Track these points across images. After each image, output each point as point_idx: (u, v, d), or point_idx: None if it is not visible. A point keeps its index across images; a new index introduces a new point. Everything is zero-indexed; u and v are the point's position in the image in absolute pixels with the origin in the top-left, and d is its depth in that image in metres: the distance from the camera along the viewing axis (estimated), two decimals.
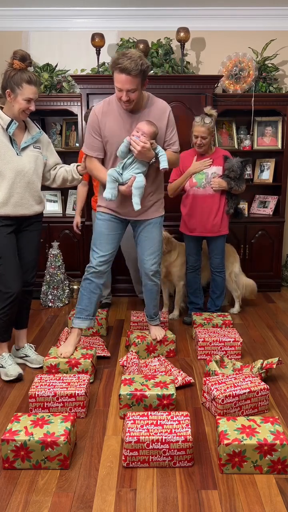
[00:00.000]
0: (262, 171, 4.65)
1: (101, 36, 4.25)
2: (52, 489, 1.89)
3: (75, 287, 4.41)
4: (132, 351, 2.96)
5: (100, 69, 4.29)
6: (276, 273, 4.58)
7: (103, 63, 4.34)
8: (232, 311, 4.00)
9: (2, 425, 2.33)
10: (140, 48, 4.15)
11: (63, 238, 4.43)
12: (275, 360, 2.72)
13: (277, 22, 4.53)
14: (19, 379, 2.76)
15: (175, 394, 2.37)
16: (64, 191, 4.68)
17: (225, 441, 1.95)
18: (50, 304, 4.22)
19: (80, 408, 2.40)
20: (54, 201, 4.66)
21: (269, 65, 4.40)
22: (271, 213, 4.57)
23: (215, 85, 4.20)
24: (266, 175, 4.61)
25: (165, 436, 2.00)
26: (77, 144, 4.46)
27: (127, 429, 2.04)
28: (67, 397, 2.38)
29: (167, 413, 2.16)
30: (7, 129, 2.60)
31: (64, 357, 2.75)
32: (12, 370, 2.78)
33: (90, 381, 2.73)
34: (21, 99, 2.57)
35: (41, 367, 2.92)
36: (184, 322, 3.78)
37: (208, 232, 3.56)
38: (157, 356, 3.05)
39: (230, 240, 4.22)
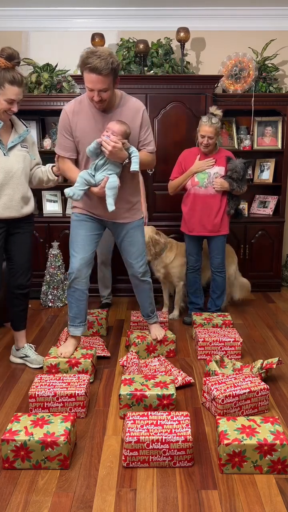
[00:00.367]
0: (262, 171, 4.65)
1: (101, 36, 4.25)
2: (52, 489, 1.89)
3: None
4: (132, 351, 2.96)
5: None
6: (276, 273, 4.58)
7: None
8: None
9: (2, 425, 2.33)
10: (140, 48, 4.16)
11: (63, 238, 4.42)
12: (275, 360, 2.71)
13: (277, 22, 4.53)
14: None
15: (175, 394, 2.37)
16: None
17: (225, 441, 1.95)
18: (50, 304, 4.22)
19: (80, 408, 2.40)
20: (54, 201, 4.66)
21: (269, 65, 4.40)
22: (271, 213, 4.57)
23: (215, 85, 4.20)
24: (266, 175, 4.61)
25: (165, 436, 2.00)
26: None
27: (127, 429, 2.04)
28: (67, 397, 2.38)
29: (167, 413, 2.16)
30: None
31: (64, 357, 2.75)
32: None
33: (90, 381, 2.72)
34: (2, 100, 2.49)
35: (41, 367, 2.92)
36: (184, 322, 3.78)
37: (208, 231, 3.56)
38: (157, 356, 3.05)
39: (230, 240, 4.22)
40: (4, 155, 2.61)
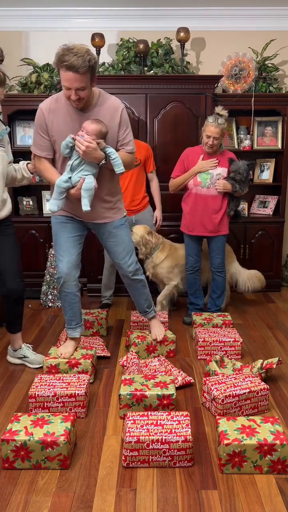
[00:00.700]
0: (262, 171, 4.65)
1: (101, 36, 4.25)
2: (52, 489, 1.89)
3: None
4: (132, 351, 2.96)
5: (100, 69, 4.29)
6: (276, 273, 4.58)
7: (103, 63, 4.34)
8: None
9: (2, 425, 2.33)
10: (140, 48, 4.16)
11: None
12: (275, 360, 2.71)
13: (277, 22, 4.53)
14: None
15: (175, 394, 2.37)
16: None
17: (225, 441, 1.95)
18: (50, 304, 4.22)
19: (80, 408, 2.40)
20: None
21: (269, 65, 4.40)
22: (271, 213, 4.57)
23: (215, 85, 4.20)
24: (266, 175, 4.61)
25: (165, 436, 2.00)
26: None
27: (127, 429, 2.04)
28: (67, 397, 2.38)
29: (167, 413, 2.16)
30: None
31: (64, 358, 2.75)
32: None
33: (90, 381, 2.72)
34: None
35: (41, 367, 2.92)
36: (184, 322, 3.78)
37: (209, 232, 3.56)
38: (157, 356, 3.05)
39: (230, 240, 4.22)
40: None
